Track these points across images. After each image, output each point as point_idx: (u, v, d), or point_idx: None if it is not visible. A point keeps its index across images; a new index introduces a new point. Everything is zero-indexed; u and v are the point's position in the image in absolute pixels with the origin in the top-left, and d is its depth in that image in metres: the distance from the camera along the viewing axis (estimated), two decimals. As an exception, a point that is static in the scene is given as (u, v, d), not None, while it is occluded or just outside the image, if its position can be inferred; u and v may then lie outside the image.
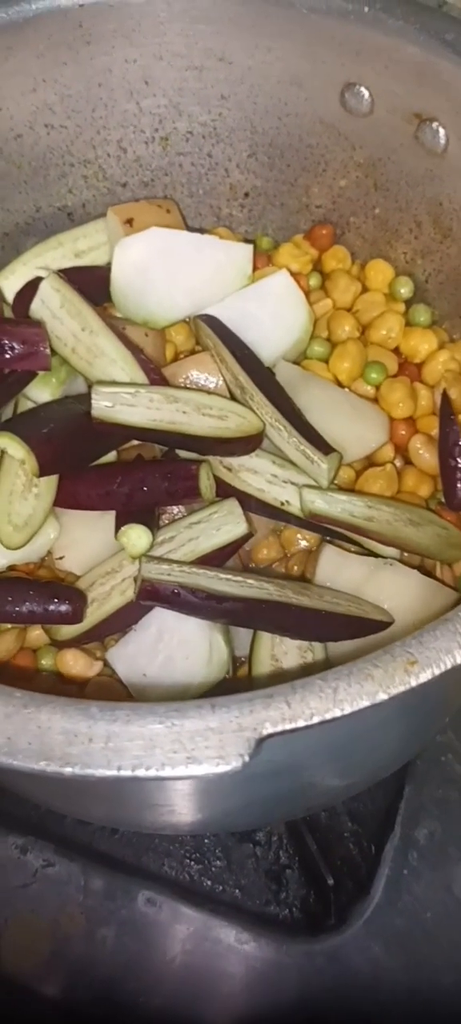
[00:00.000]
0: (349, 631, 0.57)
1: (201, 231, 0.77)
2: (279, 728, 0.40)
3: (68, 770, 0.40)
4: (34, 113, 0.70)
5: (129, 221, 0.71)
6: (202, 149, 0.76)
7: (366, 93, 0.68)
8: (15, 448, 0.59)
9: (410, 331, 0.75)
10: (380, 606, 0.58)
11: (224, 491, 0.63)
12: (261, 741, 0.40)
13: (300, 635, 0.58)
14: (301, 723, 0.41)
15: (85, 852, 0.70)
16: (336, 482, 0.65)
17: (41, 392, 0.67)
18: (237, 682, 0.60)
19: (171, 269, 0.64)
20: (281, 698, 0.41)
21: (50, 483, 0.61)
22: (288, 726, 0.41)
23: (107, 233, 0.73)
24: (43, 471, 0.59)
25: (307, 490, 0.61)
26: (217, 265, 0.65)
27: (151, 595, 0.56)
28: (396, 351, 0.75)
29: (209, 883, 0.70)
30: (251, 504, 0.62)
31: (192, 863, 0.70)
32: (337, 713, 0.41)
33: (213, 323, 0.67)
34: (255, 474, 0.62)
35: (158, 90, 0.71)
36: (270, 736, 0.40)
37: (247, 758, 0.39)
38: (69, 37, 0.67)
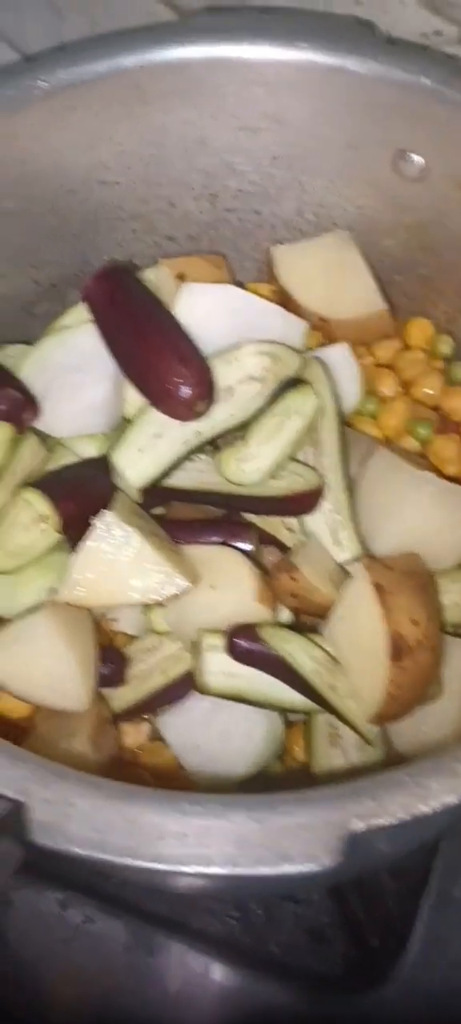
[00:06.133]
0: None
1: (242, 285, 0.77)
2: (367, 824, 0.41)
3: (160, 867, 0.40)
4: (89, 170, 0.70)
5: (181, 276, 0.71)
6: (250, 206, 0.76)
7: (420, 160, 0.68)
8: (40, 504, 0.60)
9: (450, 390, 0.76)
10: None
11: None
12: (351, 839, 0.40)
13: None
14: (388, 820, 0.41)
15: (127, 908, 0.69)
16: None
17: (87, 447, 0.67)
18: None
19: (234, 329, 0.64)
20: (367, 794, 0.41)
21: None
22: (376, 822, 0.41)
23: (156, 285, 0.73)
24: (65, 528, 0.60)
25: None
26: (275, 335, 0.65)
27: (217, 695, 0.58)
28: (435, 408, 0.76)
29: (250, 941, 0.70)
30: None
31: (233, 921, 0.70)
32: (426, 811, 0.41)
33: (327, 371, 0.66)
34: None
35: (211, 149, 0.72)
36: (359, 834, 0.41)
37: (340, 857, 0.40)
38: (129, 96, 0.67)
